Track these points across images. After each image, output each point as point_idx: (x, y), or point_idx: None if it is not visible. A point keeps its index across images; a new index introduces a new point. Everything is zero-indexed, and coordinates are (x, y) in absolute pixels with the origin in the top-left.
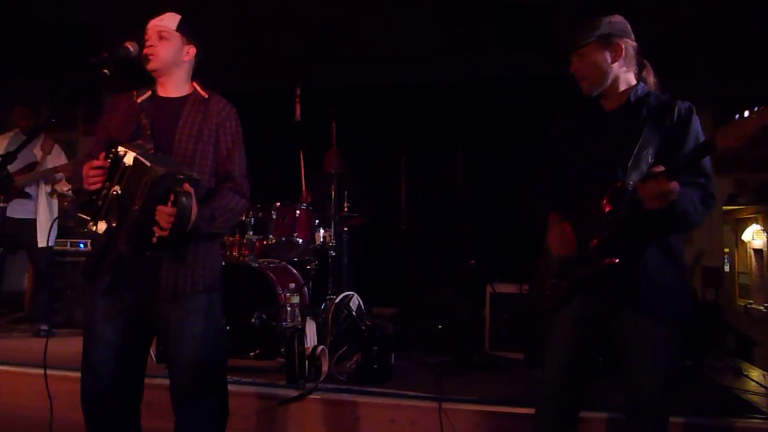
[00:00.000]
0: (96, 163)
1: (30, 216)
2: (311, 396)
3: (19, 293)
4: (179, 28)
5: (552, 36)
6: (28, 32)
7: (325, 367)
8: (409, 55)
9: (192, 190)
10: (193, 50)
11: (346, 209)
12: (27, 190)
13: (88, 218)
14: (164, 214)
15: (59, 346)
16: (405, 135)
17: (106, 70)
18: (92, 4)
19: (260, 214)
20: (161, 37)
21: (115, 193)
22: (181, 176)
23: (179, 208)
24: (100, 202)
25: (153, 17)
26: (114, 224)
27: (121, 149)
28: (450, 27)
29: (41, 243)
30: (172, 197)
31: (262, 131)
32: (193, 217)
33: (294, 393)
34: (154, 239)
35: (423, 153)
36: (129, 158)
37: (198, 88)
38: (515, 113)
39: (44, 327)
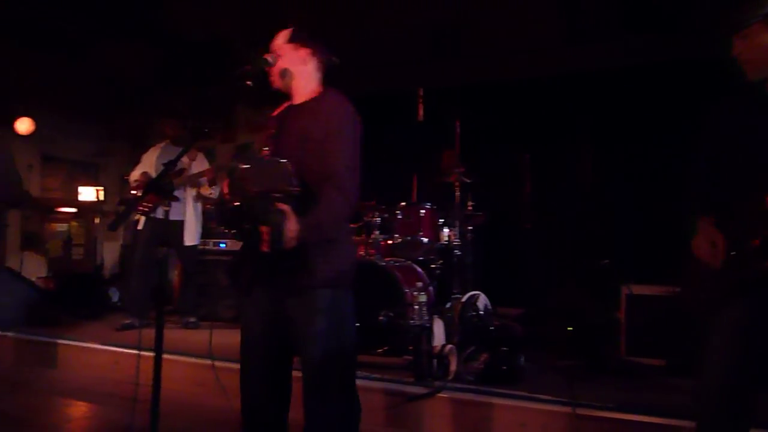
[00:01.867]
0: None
1: (179, 218)
2: (440, 394)
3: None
4: (290, 40)
5: (686, 18)
6: (172, 49)
7: (453, 366)
8: (531, 47)
9: (287, 207)
10: (305, 53)
11: (469, 208)
12: (175, 194)
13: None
14: (263, 233)
15: (202, 337)
16: (529, 130)
17: (249, 82)
18: (226, 22)
19: (386, 214)
20: (278, 56)
21: (236, 203)
22: (277, 194)
23: (271, 227)
24: (224, 212)
25: (280, 30)
26: (233, 232)
27: (233, 166)
28: (573, 16)
29: (188, 242)
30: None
31: (385, 132)
32: (291, 233)
33: (422, 391)
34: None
35: (548, 148)
36: (238, 173)
37: (323, 90)
38: (646, 102)
39: (192, 319)
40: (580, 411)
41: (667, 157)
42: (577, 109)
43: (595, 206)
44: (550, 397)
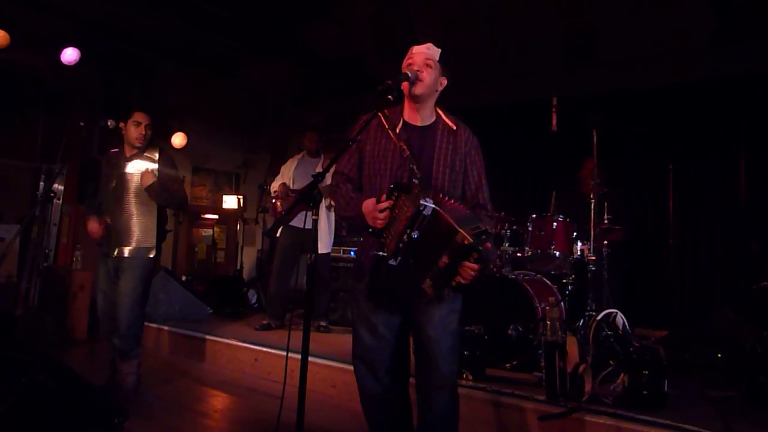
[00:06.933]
0: (381, 206)
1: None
2: (574, 415)
3: (302, 292)
4: (440, 60)
5: None
6: (308, 67)
7: (588, 387)
8: (675, 49)
9: (490, 246)
10: (445, 82)
11: (606, 222)
12: None
13: (380, 250)
14: (469, 269)
15: (334, 340)
16: (672, 139)
17: (390, 96)
18: (359, 38)
19: (515, 226)
20: (427, 65)
21: (414, 236)
22: (483, 236)
23: (483, 265)
24: (400, 244)
25: (406, 48)
26: (411, 260)
27: (421, 203)
28: (724, 11)
29: (321, 250)
30: (474, 255)
31: (518, 143)
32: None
33: (555, 410)
34: (454, 283)
35: (694, 158)
36: (428, 210)
37: (444, 117)
38: None
39: (323, 323)
40: None
41: None
42: (728, 116)
43: (750, 221)
44: (698, 429)
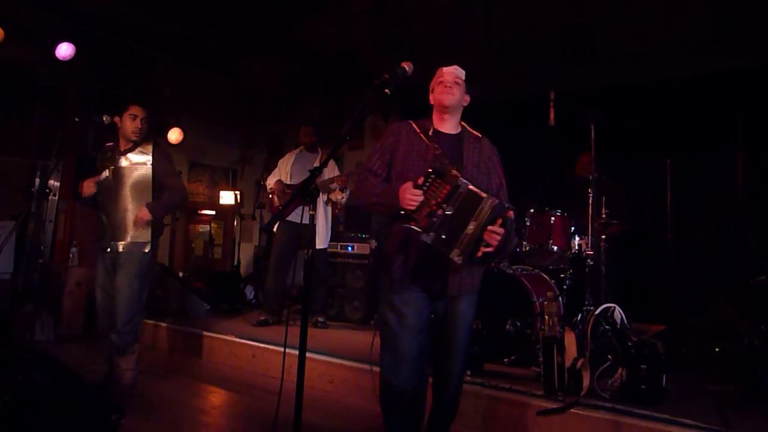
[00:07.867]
0: (418, 191)
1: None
2: (572, 410)
3: (299, 288)
4: (465, 80)
5: None
6: (304, 62)
7: (586, 382)
8: (673, 44)
9: (513, 217)
10: (468, 99)
11: (604, 216)
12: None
13: (417, 228)
14: (494, 234)
15: (331, 336)
16: (671, 134)
17: (387, 90)
18: (354, 32)
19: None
20: (456, 83)
21: (449, 213)
22: (507, 205)
23: (507, 229)
24: (434, 219)
25: (403, 43)
26: (443, 236)
27: (459, 181)
28: (722, 6)
29: (319, 245)
30: (499, 221)
31: (515, 138)
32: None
33: (553, 405)
34: (479, 254)
35: (693, 153)
36: (464, 188)
37: (468, 128)
38: None
39: (320, 319)
40: None
41: None
42: (726, 110)
43: (747, 216)
44: (696, 423)
